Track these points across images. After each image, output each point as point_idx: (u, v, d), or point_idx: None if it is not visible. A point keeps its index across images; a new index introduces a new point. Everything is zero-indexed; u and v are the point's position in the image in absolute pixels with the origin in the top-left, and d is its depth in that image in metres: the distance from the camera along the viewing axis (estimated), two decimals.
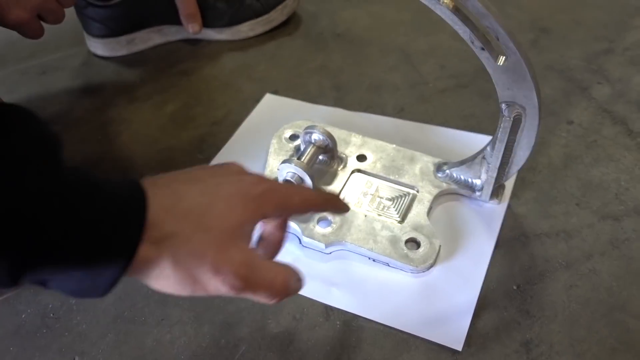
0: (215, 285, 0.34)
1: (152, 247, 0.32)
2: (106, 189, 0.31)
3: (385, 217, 0.54)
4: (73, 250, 0.29)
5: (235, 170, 0.39)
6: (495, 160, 0.50)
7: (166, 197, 0.33)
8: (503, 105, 0.47)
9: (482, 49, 0.43)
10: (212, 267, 0.33)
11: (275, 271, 0.36)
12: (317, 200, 0.41)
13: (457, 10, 0.42)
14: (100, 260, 0.30)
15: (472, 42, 0.43)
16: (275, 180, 0.43)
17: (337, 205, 0.43)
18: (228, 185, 0.36)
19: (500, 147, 0.49)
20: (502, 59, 0.43)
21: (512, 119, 0.47)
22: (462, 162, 0.55)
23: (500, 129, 0.48)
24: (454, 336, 0.45)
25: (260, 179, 0.38)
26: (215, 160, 0.63)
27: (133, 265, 0.31)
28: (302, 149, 0.57)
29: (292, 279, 0.37)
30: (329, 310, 0.48)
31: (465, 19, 0.42)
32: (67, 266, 0.30)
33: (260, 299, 0.36)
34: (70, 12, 0.67)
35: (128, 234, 0.31)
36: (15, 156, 0.28)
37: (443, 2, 0.41)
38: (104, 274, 0.31)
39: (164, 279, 0.33)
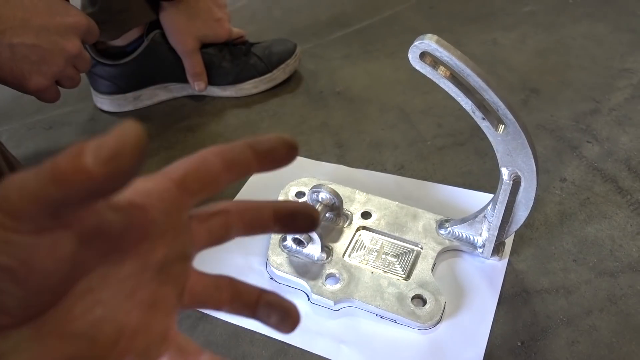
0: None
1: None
2: None
3: (391, 274, 0.55)
4: None
5: None
6: (496, 220, 0.53)
7: None
8: (503, 170, 0.49)
9: (484, 119, 0.46)
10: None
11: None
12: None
13: (459, 84, 0.45)
14: None
15: (474, 113, 0.46)
16: None
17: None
18: None
19: (500, 208, 0.52)
20: (502, 128, 0.46)
21: (511, 182, 0.49)
22: (463, 220, 0.57)
23: (501, 191, 0.50)
24: None
25: None
26: None
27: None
28: None
29: None
30: None
31: (467, 92, 0.45)
32: None
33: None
34: None
35: None
36: None
37: (439, 71, 0.44)
38: None
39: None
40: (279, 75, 0.87)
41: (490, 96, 0.44)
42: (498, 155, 0.49)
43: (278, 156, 0.29)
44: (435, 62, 0.44)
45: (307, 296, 0.55)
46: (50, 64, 0.55)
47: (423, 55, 0.44)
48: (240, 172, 0.28)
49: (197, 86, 0.84)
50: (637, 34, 0.91)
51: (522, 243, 0.59)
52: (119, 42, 0.81)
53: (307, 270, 0.56)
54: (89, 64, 0.61)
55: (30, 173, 0.19)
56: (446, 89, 0.46)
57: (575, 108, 0.77)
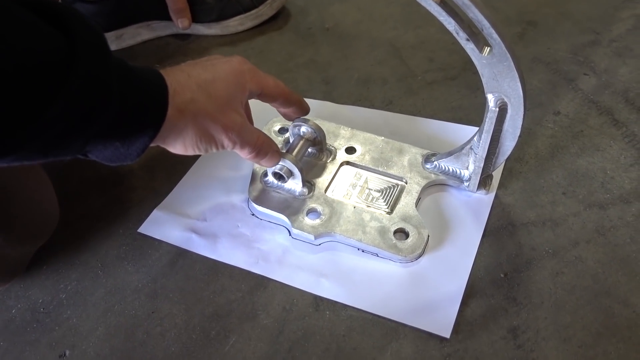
0: (222, 141, 0.45)
1: (177, 112, 0.41)
2: (136, 72, 0.38)
3: (374, 209, 0.54)
4: (121, 125, 0.37)
5: (235, 59, 0.48)
6: (482, 151, 0.51)
7: (180, 74, 0.42)
8: (489, 96, 0.47)
9: (467, 40, 0.43)
10: (223, 126, 0.44)
11: (258, 134, 0.48)
12: (286, 90, 0.52)
13: (442, 2, 0.42)
14: (138, 129, 0.38)
15: (457, 34, 0.43)
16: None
17: (301, 103, 0.54)
18: (222, 65, 0.46)
19: (486, 138, 0.50)
20: (487, 50, 0.44)
21: (497, 109, 0.47)
22: (449, 153, 0.55)
23: (486, 120, 0.48)
24: (442, 324, 0.46)
25: (245, 60, 0.49)
26: (202, 157, 0.63)
27: (161, 131, 0.39)
28: (291, 141, 0.57)
29: (268, 142, 0.49)
30: (318, 301, 0.49)
31: (451, 11, 0.42)
32: (111, 139, 0.37)
33: (244, 154, 0.48)
34: None
35: (159, 103, 0.39)
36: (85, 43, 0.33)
37: None
38: (138, 141, 0.39)
39: (184, 138, 0.43)
40: (265, 11, 0.83)
41: (475, 14, 0.41)
42: (484, 81, 0.46)
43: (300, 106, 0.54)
44: None
45: (288, 231, 0.54)
46: None
47: None
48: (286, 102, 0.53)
49: (181, 23, 0.81)
50: None
51: (511, 177, 0.57)
52: None
53: (289, 206, 0.55)
54: None
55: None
56: (428, 8, 0.42)
57: (574, 40, 0.74)
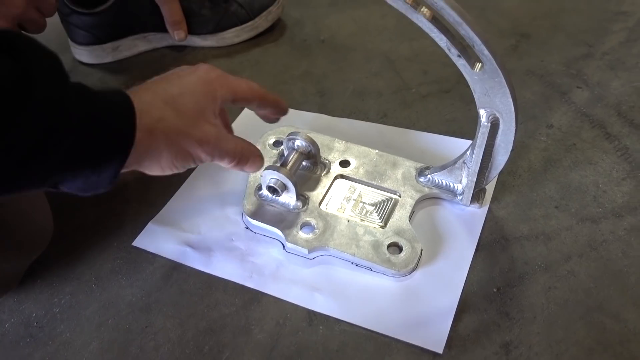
0: (199, 155, 0.44)
1: (146, 133, 0.39)
2: (99, 96, 0.37)
3: (368, 222, 0.54)
4: (86, 151, 0.35)
5: (202, 68, 0.47)
6: (475, 165, 0.51)
7: (146, 94, 0.41)
8: (481, 111, 0.47)
9: (459, 56, 0.44)
10: (197, 140, 0.43)
11: (235, 141, 0.47)
12: (261, 91, 0.50)
13: (434, 19, 0.42)
14: (106, 154, 0.37)
15: (449, 50, 0.44)
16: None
17: (279, 103, 0.52)
18: (189, 77, 0.45)
19: (479, 152, 0.50)
20: (478, 66, 0.44)
21: (489, 124, 0.47)
22: (443, 167, 0.55)
23: (479, 134, 0.49)
24: (435, 339, 0.46)
25: (212, 67, 0.47)
26: (197, 169, 0.63)
27: (131, 156, 0.38)
28: (285, 155, 0.57)
29: (248, 147, 0.48)
30: (312, 315, 0.49)
31: (442, 28, 0.43)
32: (79, 167, 0.36)
33: (224, 164, 0.47)
34: (54, 19, 0.67)
35: (125, 125, 0.38)
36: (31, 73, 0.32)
37: (421, 11, 0.42)
38: (108, 167, 0.37)
39: (159, 159, 0.42)
40: (261, 23, 0.83)
41: (466, 31, 0.42)
42: (475, 96, 0.47)
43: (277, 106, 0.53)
44: None
45: (282, 245, 0.54)
46: (9, 4, 0.52)
47: None
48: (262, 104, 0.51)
49: (177, 35, 0.81)
50: None
51: (503, 190, 0.57)
52: None
53: (283, 219, 0.55)
54: (54, 8, 0.58)
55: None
56: (420, 25, 0.43)
57: (567, 53, 0.74)
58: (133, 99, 0.39)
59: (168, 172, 0.44)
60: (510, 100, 0.45)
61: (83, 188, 0.37)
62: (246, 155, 0.48)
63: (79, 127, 0.34)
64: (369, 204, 0.56)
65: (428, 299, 0.49)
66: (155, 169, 0.43)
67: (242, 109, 0.71)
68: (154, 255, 0.55)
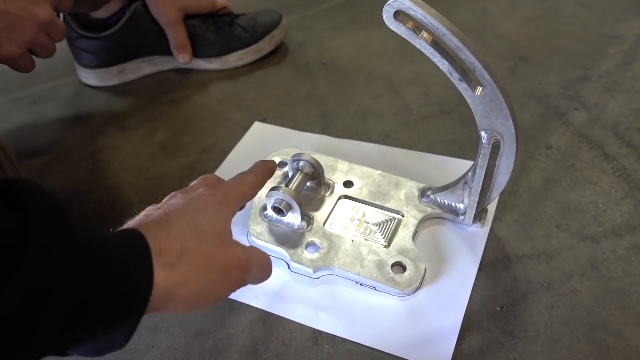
0: (244, 278, 0.40)
1: (170, 271, 0.34)
2: (109, 242, 0.32)
3: (372, 242, 0.55)
4: (95, 312, 0.30)
5: (208, 183, 0.44)
6: (477, 185, 0.52)
7: (159, 227, 0.36)
8: (482, 133, 0.48)
9: (460, 80, 0.45)
10: (236, 262, 0.39)
11: (259, 254, 0.43)
12: (258, 180, 0.49)
13: (435, 44, 0.44)
14: (120, 306, 0.31)
15: (451, 74, 0.45)
16: (223, 180, 0.47)
17: (270, 171, 0.51)
18: (197, 202, 0.41)
19: (480, 173, 0.51)
20: (479, 90, 0.45)
21: (491, 145, 0.49)
22: (445, 187, 0.56)
23: (480, 156, 0.50)
24: (440, 357, 0.46)
25: (207, 178, 0.45)
26: None
27: (152, 301, 0.33)
28: (290, 176, 0.58)
29: (268, 259, 0.44)
30: (317, 335, 0.49)
31: (444, 52, 0.44)
32: (87, 330, 0.30)
33: (255, 281, 0.43)
34: (61, 43, 0.69)
35: (141, 270, 0.33)
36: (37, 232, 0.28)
37: (422, 36, 0.43)
38: (124, 321, 0.32)
39: (192, 293, 0.36)
40: (264, 46, 0.85)
41: (467, 56, 0.43)
42: (477, 119, 0.48)
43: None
44: (410, 22, 0.43)
45: (287, 265, 0.55)
46: (21, 30, 0.53)
47: (398, 14, 0.43)
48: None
49: (182, 58, 0.83)
50: (629, 0, 0.89)
51: (505, 210, 0.58)
52: (101, 14, 0.80)
53: (287, 239, 0.55)
54: (64, 33, 0.59)
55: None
56: (422, 49, 0.44)
57: (564, 75, 0.76)
58: (147, 235, 0.34)
59: (205, 307, 0.39)
60: (511, 122, 0.47)
61: (95, 349, 0.32)
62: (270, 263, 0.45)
63: (85, 283, 0.29)
64: (372, 223, 0.57)
65: (432, 317, 0.49)
66: (196, 301, 0.37)
67: (251, 123, 0.72)
68: None
